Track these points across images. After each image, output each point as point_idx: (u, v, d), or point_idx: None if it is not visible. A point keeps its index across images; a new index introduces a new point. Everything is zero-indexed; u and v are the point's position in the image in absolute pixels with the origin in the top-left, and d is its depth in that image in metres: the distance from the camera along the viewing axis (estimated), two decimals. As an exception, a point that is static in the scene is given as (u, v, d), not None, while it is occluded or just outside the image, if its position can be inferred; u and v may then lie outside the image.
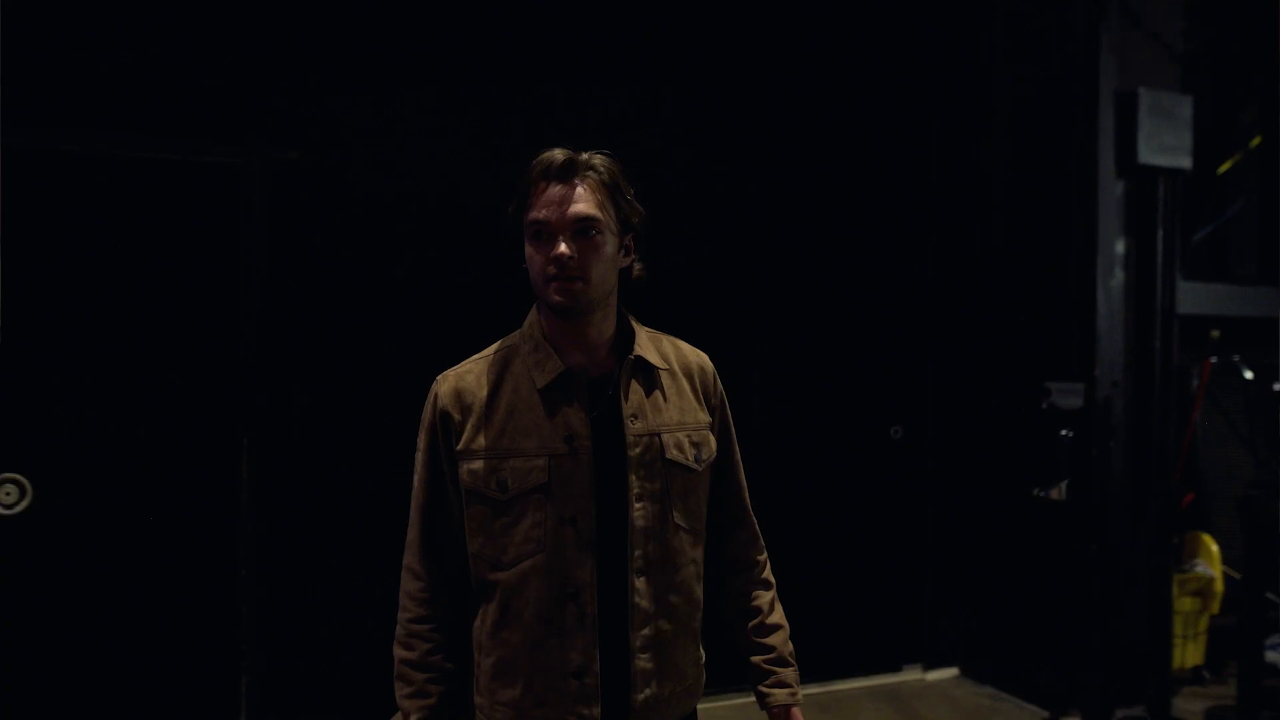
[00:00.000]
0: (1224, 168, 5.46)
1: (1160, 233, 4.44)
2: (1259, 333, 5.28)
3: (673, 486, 1.61)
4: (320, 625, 3.82)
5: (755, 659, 1.76)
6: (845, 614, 4.76)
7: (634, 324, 1.69)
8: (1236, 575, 4.62)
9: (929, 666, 4.92)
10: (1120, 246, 4.43)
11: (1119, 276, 4.42)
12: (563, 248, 1.50)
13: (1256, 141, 5.60)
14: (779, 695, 1.73)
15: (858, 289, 4.84)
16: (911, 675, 4.87)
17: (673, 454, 1.61)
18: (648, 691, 1.59)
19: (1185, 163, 4.41)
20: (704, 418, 1.69)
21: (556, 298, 1.53)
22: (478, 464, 1.56)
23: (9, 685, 3.42)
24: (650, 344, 1.68)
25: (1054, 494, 4.08)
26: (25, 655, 3.45)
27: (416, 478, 1.65)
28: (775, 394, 4.64)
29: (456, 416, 1.59)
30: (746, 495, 1.82)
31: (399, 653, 1.62)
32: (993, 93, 4.84)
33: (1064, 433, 4.10)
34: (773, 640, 1.75)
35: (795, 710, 1.73)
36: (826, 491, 4.74)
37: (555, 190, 1.52)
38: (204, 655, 3.70)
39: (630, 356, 1.63)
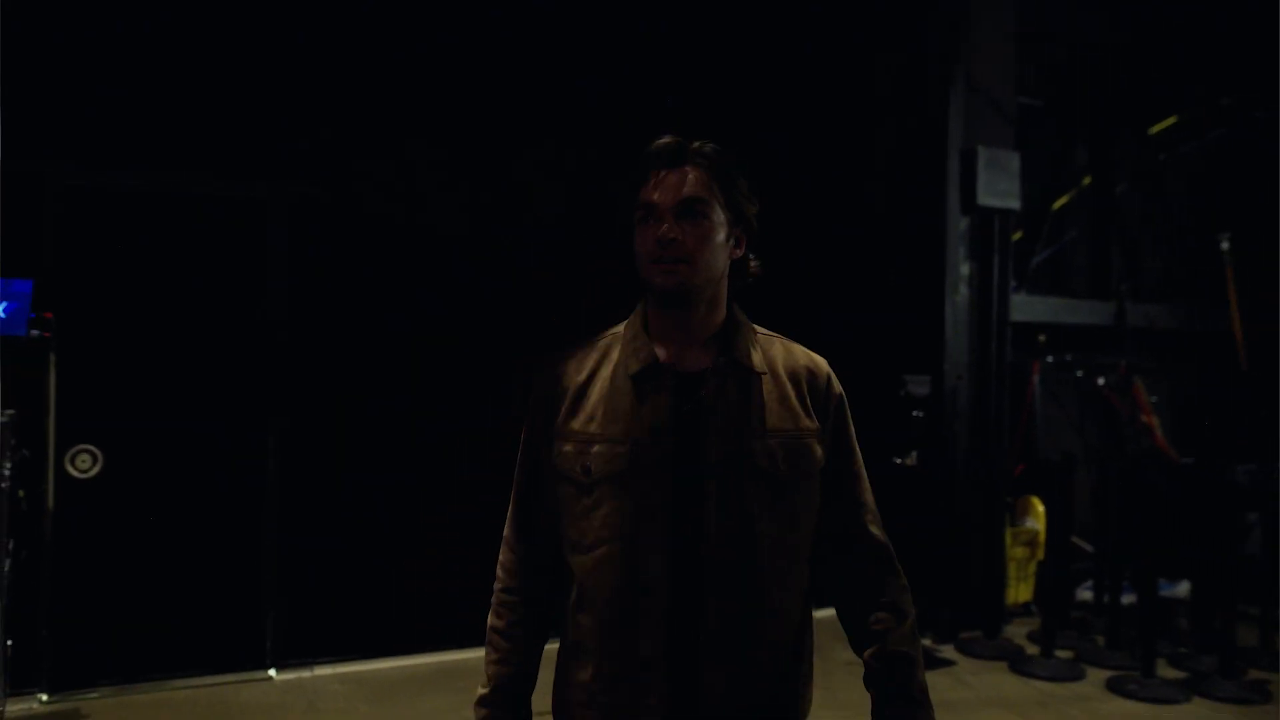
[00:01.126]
0: (1059, 203, 6.71)
1: (996, 258, 5.63)
2: (1089, 337, 6.53)
3: (760, 497, 1.52)
4: (332, 575, 4.77)
5: (877, 696, 1.60)
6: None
7: (742, 321, 1.63)
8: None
9: (816, 607, 6.02)
10: (965, 269, 5.61)
11: (963, 292, 5.60)
12: (667, 228, 1.50)
13: (1087, 181, 6.87)
14: None
15: (766, 295, 5.91)
16: (803, 614, 5.98)
17: (761, 463, 1.52)
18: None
19: (1015, 204, 5.61)
20: (808, 424, 1.58)
21: (659, 280, 1.52)
22: (568, 446, 1.57)
23: (82, 614, 4.32)
24: (754, 345, 1.61)
25: (907, 461, 5.24)
26: (97, 590, 4.36)
27: (520, 453, 1.67)
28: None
29: (554, 398, 1.61)
30: (869, 513, 1.65)
31: (491, 620, 1.66)
32: (874, 147, 5.98)
33: (916, 413, 5.25)
34: (899, 678, 1.58)
35: None
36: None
37: (665, 175, 1.53)
38: (237, 596, 4.63)
39: (723, 357, 1.57)
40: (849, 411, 1.67)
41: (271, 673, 4.62)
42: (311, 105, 4.73)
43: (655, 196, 1.53)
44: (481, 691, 1.65)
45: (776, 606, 1.56)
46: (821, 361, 1.66)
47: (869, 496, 1.67)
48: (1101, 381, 6.49)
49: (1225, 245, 6.45)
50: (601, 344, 1.64)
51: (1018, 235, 6.09)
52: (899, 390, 5.34)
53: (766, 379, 1.58)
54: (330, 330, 4.79)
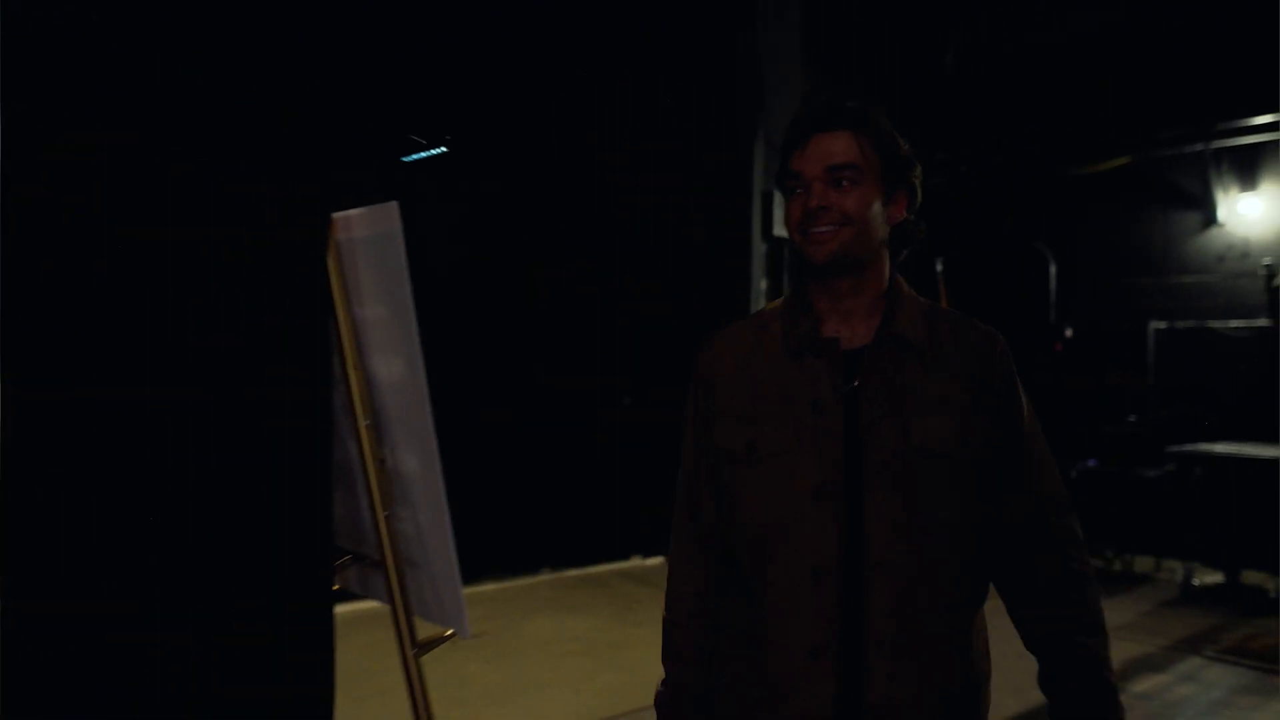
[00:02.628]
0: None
1: (785, 276, 7.19)
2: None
3: (925, 481, 1.43)
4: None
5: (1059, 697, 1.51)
6: (592, 521, 7.07)
7: (904, 292, 1.53)
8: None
9: (647, 555, 7.36)
10: (763, 285, 7.14)
11: (762, 304, 7.10)
12: (814, 198, 1.44)
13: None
14: None
15: (616, 308, 7.15)
16: (636, 562, 7.31)
17: (924, 443, 1.43)
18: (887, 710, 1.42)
19: (800, 235, 7.19)
20: (976, 402, 1.47)
21: (810, 250, 1.46)
22: (729, 425, 1.52)
23: None
24: (919, 318, 1.51)
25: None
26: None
27: (683, 444, 1.63)
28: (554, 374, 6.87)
29: (713, 379, 1.57)
30: (1049, 502, 1.52)
31: (668, 618, 1.62)
32: (696, 187, 7.36)
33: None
34: (1088, 694, 1.48)
35: None
36: (576, 442, 7.01)
37: (813, 141, 1.46)
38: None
39: (885, 330, 1.48)
40: (1022, 393, 1.54)
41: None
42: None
43: (800, 166, 1.47)
44: (670, 700, 1.61)
45: (942, 597, 1.45)
46: (994, 334, 1.54)
47: (1049, 484, 1.53)
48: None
49: (940, 267, 8.40)
50: (758, 320, 1.60)
51: (797, 257, 7.64)
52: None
53: (931, 353, 1.49)
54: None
